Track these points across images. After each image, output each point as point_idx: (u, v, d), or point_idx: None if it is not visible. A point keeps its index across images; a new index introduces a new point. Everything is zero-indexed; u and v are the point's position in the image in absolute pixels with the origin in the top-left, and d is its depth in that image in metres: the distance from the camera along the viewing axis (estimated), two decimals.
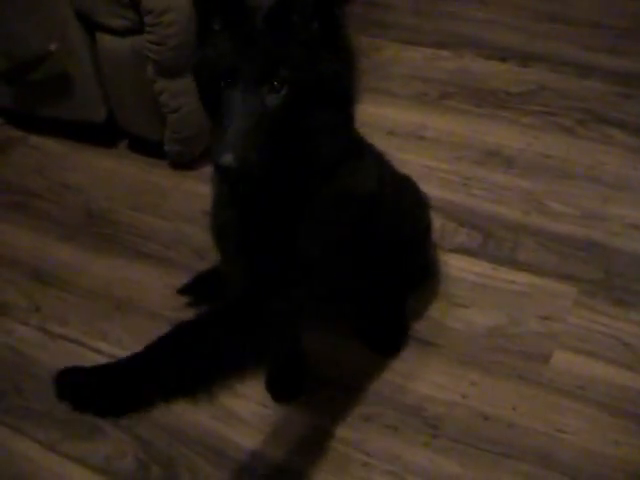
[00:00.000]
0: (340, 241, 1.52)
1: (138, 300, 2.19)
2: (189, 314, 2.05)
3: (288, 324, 1.51)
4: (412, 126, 2.68)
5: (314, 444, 1.83)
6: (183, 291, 2.15)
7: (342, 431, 1.84)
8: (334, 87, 1.33)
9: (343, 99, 1.37)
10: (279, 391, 1.93)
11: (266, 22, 1.29)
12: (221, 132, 1.26)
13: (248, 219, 1.49)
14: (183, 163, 2.60)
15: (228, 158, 1.22)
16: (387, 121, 2.70)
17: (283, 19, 1.28)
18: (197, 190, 2.43)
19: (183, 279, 2.18)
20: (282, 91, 1.27)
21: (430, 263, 2.11)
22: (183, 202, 2.48)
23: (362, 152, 1.56)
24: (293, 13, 1.28)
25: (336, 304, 1.74)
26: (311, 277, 1.49)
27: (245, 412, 1.89)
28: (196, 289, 2.14)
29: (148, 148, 2.66)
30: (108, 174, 2.64)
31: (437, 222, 2.26)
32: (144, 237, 2.38)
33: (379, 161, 1.71)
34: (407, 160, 2.51)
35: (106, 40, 2.44)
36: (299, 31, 1.29)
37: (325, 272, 1.52)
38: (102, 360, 1.99)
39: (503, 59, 2.98)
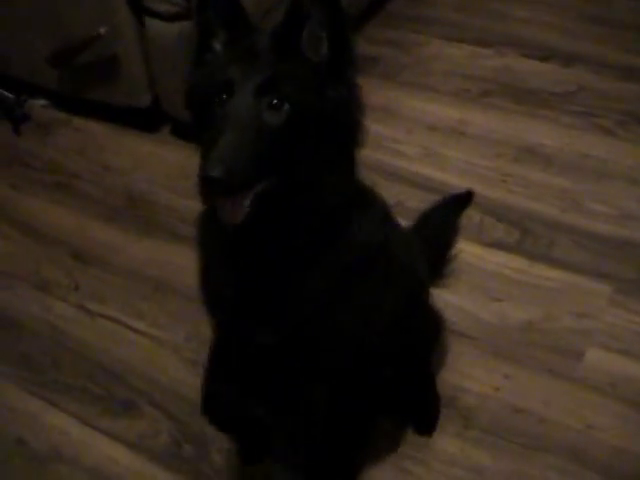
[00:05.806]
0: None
1: (175, 282, 2.21)
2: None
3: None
4: (453, 122, 2.69)
5: None
6: None
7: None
8: (339, 117, 1.23)
9: (348, 134, 1.26)
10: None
11: (272, 39, 1.22)
12: (211, 144, 1.14)
13: (248, 278, 1.35)
14: None
15: (216, 169, 1.09)
16: (428, 116, 2.71)
17: (291, 36, 1.21)
18: None
19: None
20: (283, 110, 1.17)
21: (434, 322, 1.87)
22: None
23: (368, 200, 1.41)
24: (302, 30, 1.20)
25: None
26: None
27: None
28: None
29: (191, 133, 2.66)
30: (149, 158, 2.67)
31: (476, 217, 2.27)
32: (183, 220, 2.39)
33: (385, 211, 1.50)
34: (448, 156, 2.53)
35: (154, 25, 2.46)
36: (307, 50, 1.22)
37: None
38: (139, 339, 2.05)
39: (545, 59, 2.98)
